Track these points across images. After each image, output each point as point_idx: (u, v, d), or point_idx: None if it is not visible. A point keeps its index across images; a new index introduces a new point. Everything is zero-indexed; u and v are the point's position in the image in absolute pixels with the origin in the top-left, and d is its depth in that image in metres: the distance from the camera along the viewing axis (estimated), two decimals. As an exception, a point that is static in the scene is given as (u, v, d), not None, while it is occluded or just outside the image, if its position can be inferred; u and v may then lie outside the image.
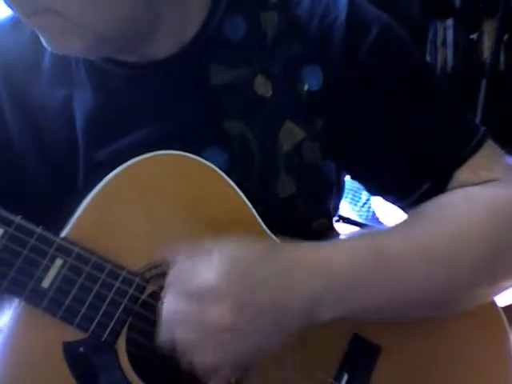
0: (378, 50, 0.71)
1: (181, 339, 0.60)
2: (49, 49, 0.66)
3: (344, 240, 0.67)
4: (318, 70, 0.72)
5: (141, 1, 0.63)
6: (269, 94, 0.72)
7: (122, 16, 0.63)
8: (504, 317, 0.75)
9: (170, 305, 0.60)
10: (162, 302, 0.61)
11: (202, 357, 0.60)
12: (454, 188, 0.73)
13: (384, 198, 0.81)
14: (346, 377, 0.70)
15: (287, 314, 0.61)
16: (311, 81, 0.72)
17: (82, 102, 0.73)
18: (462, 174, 0.73)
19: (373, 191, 0.82)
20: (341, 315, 0.63)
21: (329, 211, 0.79)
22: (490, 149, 0.75)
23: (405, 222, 0.71)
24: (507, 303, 0.82)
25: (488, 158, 0.74)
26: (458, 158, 0.73)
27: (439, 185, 0.73)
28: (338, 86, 0.72)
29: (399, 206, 0.79)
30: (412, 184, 0.74)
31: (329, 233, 0.81)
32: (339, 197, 0.82)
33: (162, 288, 0.68)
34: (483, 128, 0.76)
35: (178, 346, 0.60)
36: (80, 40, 0.64)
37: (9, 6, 0.62)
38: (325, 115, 0.73)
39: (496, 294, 0.72)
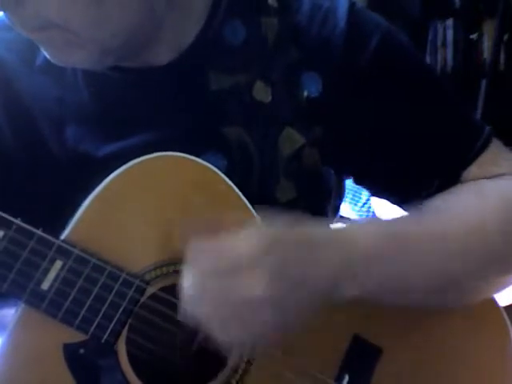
0: (380, 56, 0.72)
1: (205, 317, 0.59)
2: (52, 61, 0.66)
3: (365, 222, 0.68)
4: (316, 77, 0.72)
5: (144, 11, 0.63)
6: (268, 99, 0.72)
7: (126, 28, 0.63)
8: (505, 316, 0.75)
9: (194, 285, 0.59)
10: (182, 284, 0.60)
11: (227, 333, 0.59)
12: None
13: (389, 200, 0.80)
14: (346, 378, 0.70)
15: (313, 289, 0.60)
16: (310, 87, 0.72)
17: (79, 106, 0.72)
18: (470, 172, 0.73)
19: (376, 194, 0.82)
20: (360, 292, 0.63)
21: (331, 214, 0.79)
22: (496, 146, 0.75)
23: (419, 212, 0.71)
24: (508, 303, 0.82)
25: (495, 154, 0.74)
26: (465, 159, 0.73)
27: (447, 186, 0.73)
28: (337, 93, 0.72)
29: (404, 208, 0.79)
30: (419, 186, 0.74)
31: None
32: (340, 199, 0.82)
33: (162, 289, 0.69)
34: (488, 127, 0.76)
35: (201, 324, 0.59)
36: (84, 53, 0.64)
37: (10, 21, 0.62)
38: (324, 122, 0.73)
39: (505, 286, 0.73)
